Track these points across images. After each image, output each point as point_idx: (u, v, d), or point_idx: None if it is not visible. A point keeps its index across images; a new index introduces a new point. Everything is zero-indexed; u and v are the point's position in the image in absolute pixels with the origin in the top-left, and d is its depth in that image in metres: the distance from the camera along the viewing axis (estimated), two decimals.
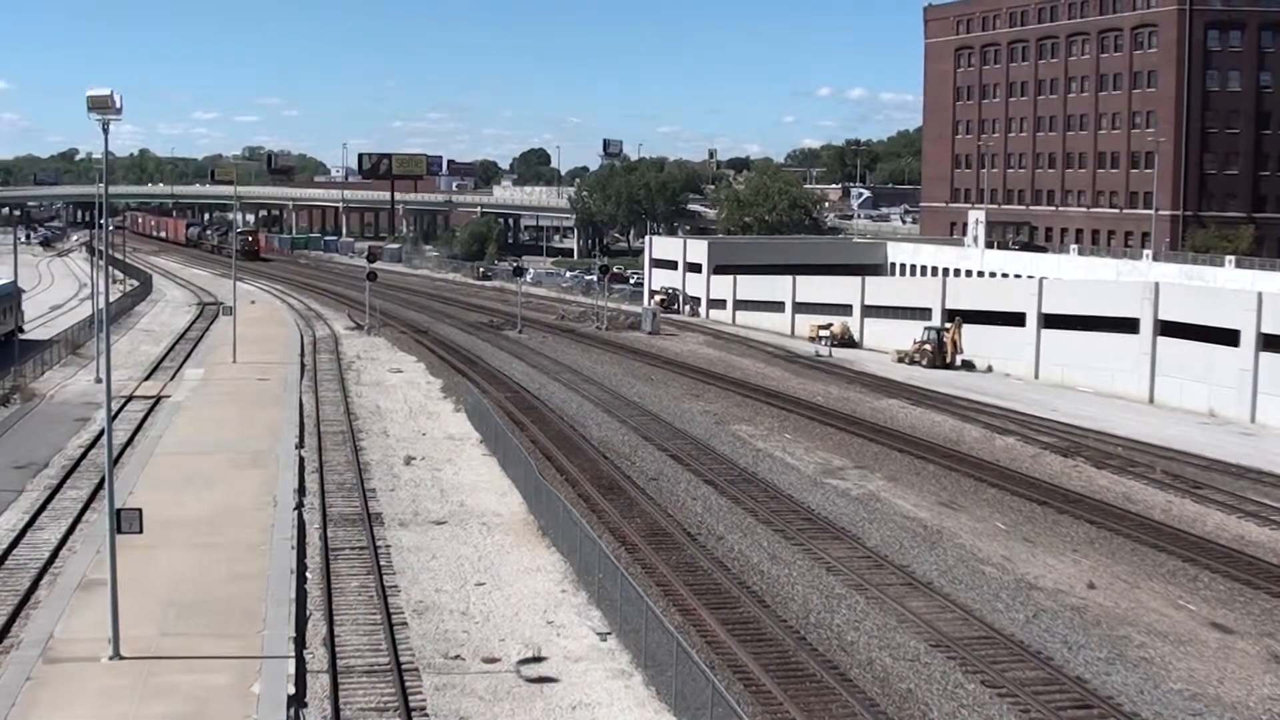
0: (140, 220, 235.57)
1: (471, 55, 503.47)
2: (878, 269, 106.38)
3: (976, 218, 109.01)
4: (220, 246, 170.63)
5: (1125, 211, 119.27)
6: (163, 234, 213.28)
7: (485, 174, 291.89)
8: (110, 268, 62.12)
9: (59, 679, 23.86)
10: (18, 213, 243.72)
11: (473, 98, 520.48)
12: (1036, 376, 70.64)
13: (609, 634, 27.86)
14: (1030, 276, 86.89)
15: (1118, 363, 65.67)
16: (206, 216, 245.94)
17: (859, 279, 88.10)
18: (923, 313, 79.34)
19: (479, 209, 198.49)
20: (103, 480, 34.83)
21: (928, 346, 74.99)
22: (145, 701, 22.88)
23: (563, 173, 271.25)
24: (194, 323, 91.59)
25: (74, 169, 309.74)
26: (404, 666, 25.89)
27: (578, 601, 30.22)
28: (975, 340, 74.18)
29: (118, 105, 24.48)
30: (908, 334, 77.59)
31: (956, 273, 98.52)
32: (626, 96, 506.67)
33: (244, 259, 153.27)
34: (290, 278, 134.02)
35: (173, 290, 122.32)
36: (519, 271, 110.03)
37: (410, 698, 24.37)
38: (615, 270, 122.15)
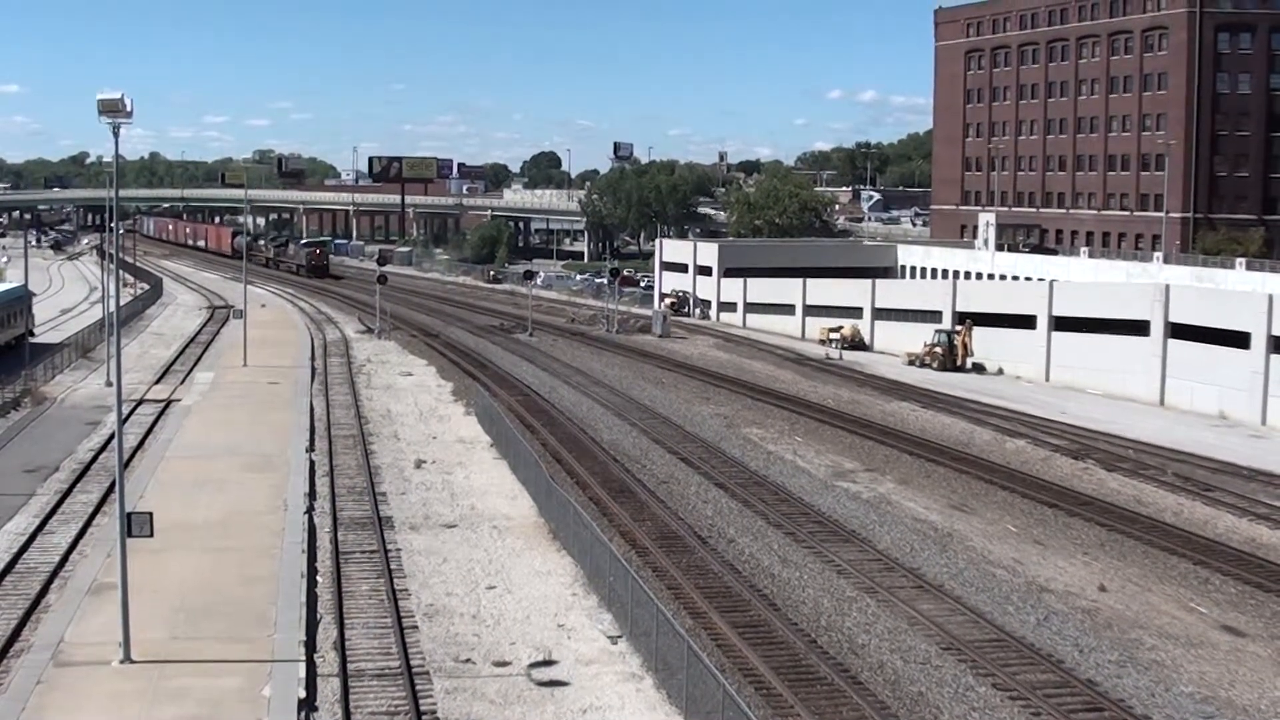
0: (172, 227, 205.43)
1: (481, 58, 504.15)
2: (888, 272, 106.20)
3: (987, 220, 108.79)
4: (279, 260, 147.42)
5: (1135, 214, 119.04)
6: (201, 243, 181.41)
7: (495, 177, 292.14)
8: (121, 271, 62.28)
9: (70, 682, 23.92)
10: (28, 216, 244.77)
11: (483, 101, 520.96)
12: (1047, 379, 70.54)
13: (620, 637, 27.85)
14: (1040, 279, 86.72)
15: (1128, 365, 65.55)
16: (223, 220, 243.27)
17: (869, 282, 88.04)
18: (933, 315, 79.26)
19: (489, 212, 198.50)
20: (113, 484, 34.88)
21: (938, 349, 74.94)
22: (156, 705, 22.93)
23: (573, 176, 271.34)
24: (204, 326, 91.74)
25: (84, 172, 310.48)
26: (415, 670, 25.89)
27: (588, 605, 30.21)
28: (986, 343, 74.06)
29: (128, 109, 24.56)
30: (918, 337, 77.52)
31: (967, 275, 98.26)
32: (637, 99, 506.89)
33: (311, 276, 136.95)
34: (303, 282, 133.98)
35: (184, 294, 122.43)
36: (529, 275, 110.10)
37: (421, 701, 24.38)
38: (625, 273, 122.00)
